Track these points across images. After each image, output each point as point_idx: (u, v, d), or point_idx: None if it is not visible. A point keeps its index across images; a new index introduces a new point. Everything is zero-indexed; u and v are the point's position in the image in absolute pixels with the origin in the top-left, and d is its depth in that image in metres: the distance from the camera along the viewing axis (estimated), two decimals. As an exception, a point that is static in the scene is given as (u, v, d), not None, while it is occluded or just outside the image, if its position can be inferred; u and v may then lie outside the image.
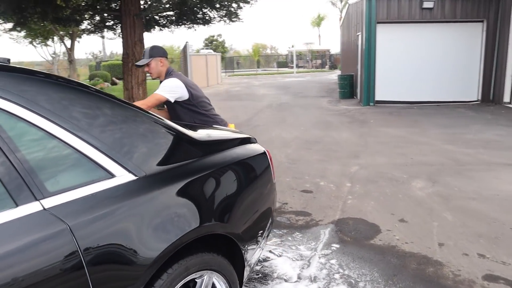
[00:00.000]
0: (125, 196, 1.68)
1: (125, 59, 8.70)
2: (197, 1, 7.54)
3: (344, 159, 6.37)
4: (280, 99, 15.23)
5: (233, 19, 9.24)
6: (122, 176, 1.72)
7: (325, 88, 19.15)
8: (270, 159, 2.75)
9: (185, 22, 9.32)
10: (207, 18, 9.24)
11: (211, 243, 2.10)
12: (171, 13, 9.18)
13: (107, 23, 9.71)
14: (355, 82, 14.59)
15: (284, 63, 46.71)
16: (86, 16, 9.12)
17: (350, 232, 3.79)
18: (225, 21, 9.46)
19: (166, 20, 9.50)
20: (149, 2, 7.21)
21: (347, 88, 14.67)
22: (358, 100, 13.65)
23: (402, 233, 3.71)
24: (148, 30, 9.95)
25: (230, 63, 43.30)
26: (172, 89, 3.36)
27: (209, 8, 8.55)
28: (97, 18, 9.09)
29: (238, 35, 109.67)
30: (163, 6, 7.26)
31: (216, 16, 9.33)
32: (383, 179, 5.28)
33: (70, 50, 22.62)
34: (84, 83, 2.00)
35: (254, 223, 2.43)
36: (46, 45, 27.82)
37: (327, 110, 12.16)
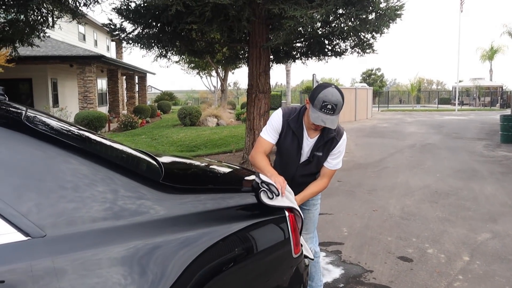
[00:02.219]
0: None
1: (249, 90, 8.66)
2: (321, 32, 7.09)
3: (474, 222, 5.05)
4: (427, 139, 13.60)
5: (366, 51, 8.50)
6: (6, 235, 1.35)
7: (487, 130, 16.57)
8: (292, 226, 2.07)
9: (316, 53, 8.92)
10: (337, 49, 8.70)
11: None
12: (301, 44, 8.90)
13: (240, 55, 9.91)
14: (524, 124, 12.19)
15: (446, 99, 42.74)
16: (219, 48, 9.44)
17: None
18: (358, 53, 8.77)
19: (296, 51, 9.26)
20: (278, 34, 7.01)
21: (512, 131, 12.33)
22: (525, 146, 11.30)
23: None
24: (280, 62, 9.83)
25: (385, 98, 41.40)
26: None
27: (337, 39, 8.01)
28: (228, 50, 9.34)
29: (402, 70, 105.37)
30: (287, 37, 6.97)
31: (348, 47, 8.72)
32: (520, 257, 3.94)
33: (223, 80, 24.32)
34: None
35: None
36: (210, 75, 30.58)
37: (479, 155, 10.30)
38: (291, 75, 25.89)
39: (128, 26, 8.91)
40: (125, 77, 26.07)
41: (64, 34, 20.83)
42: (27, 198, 1.42)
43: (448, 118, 23.62)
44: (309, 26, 6.51)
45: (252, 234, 1.90)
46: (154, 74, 30.77)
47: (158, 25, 8.43)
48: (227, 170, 2.68)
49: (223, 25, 7.23)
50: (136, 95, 28.34)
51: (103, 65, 19.69)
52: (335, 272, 3.69)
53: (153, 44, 8.86)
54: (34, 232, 1.37)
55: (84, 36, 23.94)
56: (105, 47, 27.75)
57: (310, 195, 2.64)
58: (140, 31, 8.69)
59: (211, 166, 2.72)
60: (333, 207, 5.70)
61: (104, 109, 22.29)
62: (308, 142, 2.57)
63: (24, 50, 14.04)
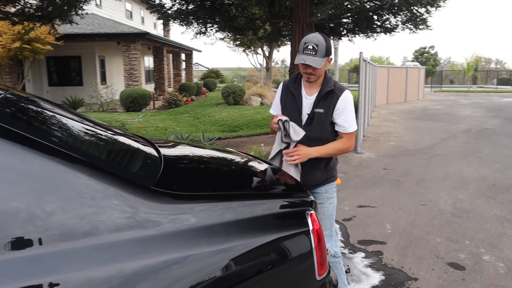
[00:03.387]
0: None
1: (291, 69, 8.22)
2: (370, 7, 6.46)
3: (539, 223, 4.43)
4: (484, 124, 12.59)
5: (419, 27, 7.77)
6: None
7: (555, 114, 15.16)
8: (317, 239, 1.69)
9: (363, 30, 8.28)
10: (387, 25, 8.00)
11: None
12: (347, 20, 8.28)
13: (283, 32, 9.42)
14: None
15: (506, 80, 39.88)
16: (260, 24, 8.99)
17: None
18: (410, 29, 8.04)
19: (342, 27, 8.64)
20: (321, 9, 6.48)
21: None
22: None
23: None
24: (324, 39, 9.24)
25: (438, 77, 39.23)
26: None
27: (387, 13, 7.34)
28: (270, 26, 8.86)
29: (458, 47, 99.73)
30: (331, 11, 6.44)
31: (399, 23, 8.00)
32: None
33: (268, 58, 23.78)
34: None
35: None
36: (256, 53, 30.10)
37: (545, 143, 9.33)
38: (339, 53, 24.93)
39: (167, 2, 8.63)
40: (171, 54, 26.14)
41: (111, 12, 21.04)
42: None
43: (507, 101, 21.95)
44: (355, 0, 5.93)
45: (264, 253, 1.53)
46: (200, 51, 30.74)
47: (197, 0, 8.10)
48: (238, 165, 2.32)
49: (262, -1, 6.78)
50: (182, 72, 28.45)
51: (148, 43, 19.74)
52: (374, 278, 3.28)
53: (192, 20, 8.56)
54: None
55: (131, 13, 24.10)
56: (152, 25, 27.89)
57: (327, 149, 2.47)
58: (179, 6, 8.40)
59: (223, 160, 2.35)
60: (377, 199, 5.23)
61: (150, 87, 22.49)
62: (308, 101, 2.48)
63: (71, 28, 14.22)
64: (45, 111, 1.85)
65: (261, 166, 2.34)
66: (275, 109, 2.64)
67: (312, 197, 1.97)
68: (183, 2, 8.22)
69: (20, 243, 1.13)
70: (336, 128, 2.47)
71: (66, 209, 1.21)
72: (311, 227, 1.69)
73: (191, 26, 8.92)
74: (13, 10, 7.34)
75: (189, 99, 20.67)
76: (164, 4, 8.74)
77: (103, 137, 1.93)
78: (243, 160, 2.41)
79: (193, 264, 1.33)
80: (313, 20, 6.90)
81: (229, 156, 2.46)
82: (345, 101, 2.43)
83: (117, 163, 1.64)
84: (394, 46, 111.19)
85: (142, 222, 1.31)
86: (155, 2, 8.75)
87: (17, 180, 1.19)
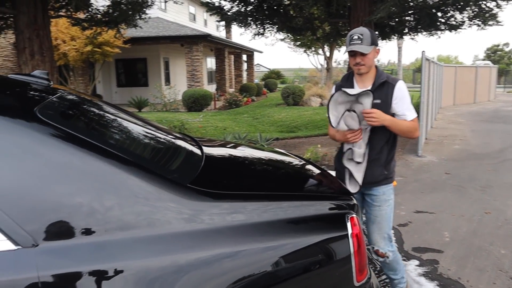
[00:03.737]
0: None
1: (349, 69, 8.02)
2: (432, 3, 6.15)
3: None
4: None
5: (488, 23, 7.29)
6: None
7: None
8: (356, 245, 1.63)
9: (426, 28, 7.91)
10: (452, 22, 7.58)
11: None
12: (408, 18, 7.95)
13: (342, 31, 9.24)
14: None
15: None
16: (318, 24, 8.88)
17: None
18: (478, 26, 7.57)
19: (403, 26, 8.31)
20: (381, 7, 6.28)
21: None
22: None
23: None
24: (385, 37, 8.96)
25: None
26: None
27: (452, 9, 6.96)
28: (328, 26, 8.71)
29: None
30: (390, 9, 6.22)
31: (465, 19, 7.56)
32: None
33: (329, 59, 23.44)
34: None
35: None
36: (317, 53, 29.80)
37: None
38: (403, 53, 24.07)
39: (226, 4, 8.78)
40: (233, 55, 26.57)
41: (175, 15, 21.78)
42: (23, 201, 1.23)
43: None
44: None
45: (302, 254, 1.52)
46: (261, 52, 30.95)
47: (255, 2, 8.16)
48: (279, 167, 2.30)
49: (320, -1, 6.70)
50: (244, 73, 28.83)
51: (210, 44, 20.20)
52: (427, 288, 3.12)
53: (250, 22, 8.64)
54: (24, 242, 1.18)
55: (194, 16, 24.80)
56: (214, 27, 28.51)
57: (399, 124, 2.49)
58: (238, 8, 8.52)
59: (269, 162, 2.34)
60: (436, 205, 4.97)
61: (212, 87, 23.02)
62: None
63: (138, 32, 14.90)
64: (102, 113, 1.98)
65: (306, 168, 2.30)
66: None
67: (354, 201, 1.91)
68: (242, 4, 8.32)
69: (86, 232, 1.25)
70: (398, 117, 2.50)
71: (121, 205, 1.31)
72: (350, 231, 1.64)
73: (249, 27, 9.01)
74: (82, 16, 7.82)
75: (249, 99, 20.89)
76: (223, 6, 8.91)
77: (149, 137, 2.00)
78: (290, 161, 2.39)
79: (243, 259, 1.39)
80: (372, 18, 6.71)
81: (277, 157, 2.46)
82: (401, 90, 2.49)
83: (157, 163, 1.69)
84: (464, 44, 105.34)
85: (190, 218, 1.37)
86: (214, 4, 8.95)
87: (91, 179, 1.33)
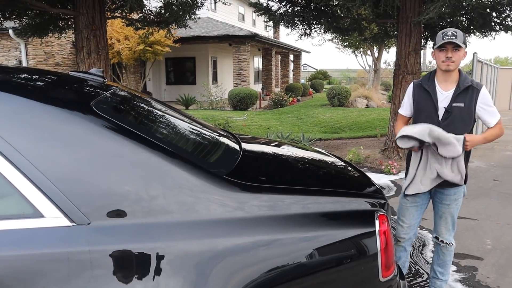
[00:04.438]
0: (41, 242, 1.33)
1: (396, 71, 7.91)
2: (486, 3, 5.93)
3: None
4: None
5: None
6: (53, 219, 1.35)
7: None
8: (383, 244, 1.69)
9: (479, 29, 7.64)
10: (508, 23, 7.28)
11: None
12: (461, 18, 7.71)
13: (389, 32, 9.09)
14: None
15: None
16: (365, 25, 8.80)
17: None
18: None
19: (454, 26, 8.06)
20: (430, 7, 6.16)
21: None
22: None
23: None
24: (433, 39, 8.73)
25: None
26: None
27: (508, 9, 6.68)
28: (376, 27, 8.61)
29: None
30: (439, 9, 6.08)
31: (522, 20, 7.24)
32: None
33: (377, 60, 23.01)
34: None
35: None
36: (366, 54, 29.32)
37: None
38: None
39: (274, 5, 8.88)
40: (280, 55, 26.67)
41: (225, 15, 22.16)
42: (86, 185, 1.40)
43: None
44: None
45: (329, 250, 1.60)
46: (309, 52, 30.84)
47: (302, 2, 8.21)
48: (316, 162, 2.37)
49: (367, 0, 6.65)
50: (290, 73, 28.86)
51: (257, 44, 20.39)
52: (463, 294, 3.09)
53: (297, 22, 8.69)
54: (80, 219, 1.35)
55: (243, 16, 25.11)
56: (262, 27, 28.72)
57: (488, 135, 2.64)
58: (285, 9, 8.60)
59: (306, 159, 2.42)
60: (480, 212, 4.85)
61: (258, 87, 23.24)
62: (443, 95, 2.60)
63: (188, 32, 15.32)
64: (150, 109, 2.15)
65: (343, 167, 2.37)
66: (406, 109, 2.81)
67: (386, 200, 1.97)
68: (289, 4, 8.40)
69: (133, 215, 1.40)
70: (483, 122, 2.64)
71: (164, 192, 1.46)
72: (377, 228, 1.70)
73: (296, 28, 9.06)
74: (136, 17, 8.20)
75: (294, 99, 20.92)
76: (271, 7, 9.02)
77: (191, 132, 2.15)
78: (328, 160, 2.46)
79: (279, 248, 1.49)
80: (421, 19, 6.58)
81: (316, 156, 2.54)
82: (485, 96, 2.58)
83: (197, 155, 1.83)
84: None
85: (228, 207, 1.50)
86: (262, 5, 9.08)
87: (139, 168, 1.48)
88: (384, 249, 1.70)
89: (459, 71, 2.60)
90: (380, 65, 23.81)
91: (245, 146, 2.20)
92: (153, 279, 1.34)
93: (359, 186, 2.11)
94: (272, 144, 2.68)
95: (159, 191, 1.45)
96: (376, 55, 23.60)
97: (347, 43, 24.27)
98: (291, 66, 29.43)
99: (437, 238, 2.87)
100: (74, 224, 1.34)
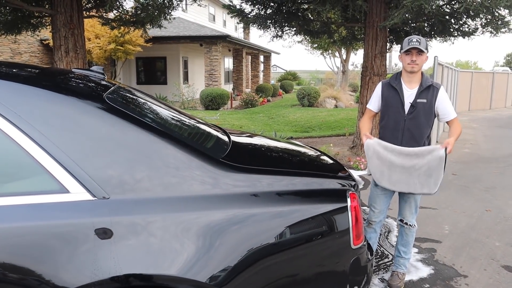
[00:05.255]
0: (67, 214, 1.57)
1: (363, 72, 8.34)
2: (443, 11, 6.40)
3: None
4: None
5: (500, 30, 7.53)
6: (77, 194, 1.59)
7: None
8: (354, 217, 1.99)
9: (439, 34, 8.17)
10: (465, 29, 7.84)
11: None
12: (422, 24, 8.22)
13: (357, 36, 9.54)
14: None
15: None
16: (334, 28, 9.20)
17: None
18: (491, 33, 7.80)
19: (417, 31, 8.58)
20: (395, 13, 6.58)
21: None
22: None
23: None
24: (399, 42, 9.23)
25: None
26: None
27: (464, 17, 7.21)
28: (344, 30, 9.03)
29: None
30: (403, 16, 6.51)
31: (478, 26, 7.80)
32: None
33: (345, 62, 23.70)
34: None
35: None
36: (334, 56, 30.01)
37: None
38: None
39: (247, 7, 9.16)
40: (250, 56, 26.98)
41: (196, 15, 22.26)
42: (104, 163, 1.64)
43: None
44: (430, 4, 5.96)
45: (311, 220, 1.88)
46: (278, 54, 31.31)
47: (274, 5, 8.52)
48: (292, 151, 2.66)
49: (336, 4, 7.03)
50: (260, 74, 29.22)
51: (228, 45, 20.62)
52: (423, 271, 3.45)
53: (269, 24, 9.00)
54: (99, 193, 1.59)
55: (214, 16, 25.27)
56: (233, 27, 28.97)
57: (456, 134, 2.98)
58: (257, 12, 8.88)
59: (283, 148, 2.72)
60: (440, 202, 5.28)
61: (229, 87, 23.45)
62: (408, 93, 2.99)
63: (159, 31, 15.39)
64: (152, 102, 2.37)
65: (318, 155, 2.67)
66: (374, 105, 3.18)
67: (356, 182, 2.27)
68: (262, 7, 8.69)
69: (143, 190, 1.65)
70: (441, 117, 3.00)
71: (166, 170, 1.71)
72: (349, 204, 1.99)
73: (268, 30, 9.37)
74: (112, 16, 8.31)
75: (265, 99, 21.27)
76: (244, 9, 9.29)
77: (190, 124, 2.40)
78: (304, 149, 2.76)
79: (255, 219, 1.75)
80: (386, 24, 7.01)
81: (293, 146, 2.82)
82: (444, 93, 2.99)
83: (197, 142, 2.09)
84: (485, 49, 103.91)
85: (216, 184, 1.75)
86: (236, 7, 9.33)
87: (147, 150, 1.73)
88: (355, 221, 2.00)
89: (422, 73, 3.02)
90: (348, 67, 24.47)
91: (232, 137, 2.47)
92: (162, 242, 1.59)
93: (332, 170, 2.40)
94: (256, 137, 2.95)
95: (167, 171, 1.70)
96: (344, 57, 24.27)
97: (316, 45, 24.83)
98: (261, 67, 29.81)
99: (401, 220, 3.22)
100: (96, 198, 1.58)
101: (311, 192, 1.96)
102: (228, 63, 25.48)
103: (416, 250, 3.85)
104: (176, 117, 2.37)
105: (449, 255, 3.77)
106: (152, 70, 20.64)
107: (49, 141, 1.58)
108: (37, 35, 12.40)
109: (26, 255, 1.48)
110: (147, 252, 1.56)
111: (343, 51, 23.98)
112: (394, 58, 36.95)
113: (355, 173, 6.71)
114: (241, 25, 28.84)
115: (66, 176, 1.57)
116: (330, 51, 27.98)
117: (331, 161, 2.55)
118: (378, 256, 3.72)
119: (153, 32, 15.20)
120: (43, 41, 16.32)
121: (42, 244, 1.49)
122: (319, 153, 2.73)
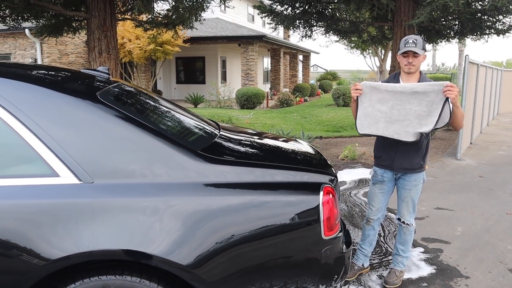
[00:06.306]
0: (54, 196, 1.80)
1: (391, 72, 8.28)
2: (471, 8, 6.25)
3: None
4: None
5: (536, 28, 7.26)
6: (66, 178, 1.82)
7: None
8: (326, 209, 2.09)
9: (470, 32, 7.97)
10: (498, 27, 7.60)
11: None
12: (453, 22, 8.05)
13: (387, 35, 9.44)
14: None
15: None
16: (363, 27, 9.15)
17: None
18: (526, 30, 7.55)
19: (448, 30, 8.41)
20: (421, 12, 6.50)
21: None
22: None
23: None
24: (431, 41, 9.08)
25: None
26: None
27: (496, 14, 7.00)
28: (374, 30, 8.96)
29: None
30: (429, 14, 6.43)
31: (512, 24, 7.56)
32: None
33: (382, 61, 23.25)
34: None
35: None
36: (376, 55, 29.50)
37: None
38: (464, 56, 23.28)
39: (277, 7, 9.29)
40: (288, 56, 27.03)
41: (234, 16, 22.59)
42: (88, 150, 1.87)
43: None
44: (454, 2, 5.86)
45: (281, 210, 2.00)
46: (318, 53, 31.14)
47: (302, 5, 8.61)
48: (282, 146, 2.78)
49: (362, 4, 7.03)
50: (299, 73, 29.19)
51: (266, 45, 20.79)
52: (424, 270, 3.46)
53: (298, 24, 9.10)
54: (85, 178, 1.82)
55: (253, 17, 25.51)
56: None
57: (460, 107, 2.80)
58: (287, 12, 9.01)
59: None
60: (458, 204, 5.20)
61: (267, 86, 23.63)
62: None
63: (198, 32, 15.80)
64: (146, 99, 2.57)
65: (303, 150, 2.77)
66: None
67: (334, 176, 2.36)
68: (289, 7, 8.81)
69: (127, 176, 1.86)
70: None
71: (146, 159, 1.92)
72: (321, 196, 2.09)
73: (297, 29, 9.47)
74: (145, 18, 8.68)
75: (302, 99, 21.28)
76: (275, 9, 9.44)
77: (178, 119, 2.58)
78: (295, 145, 2.87)
79: (223, 208, 1.90)
80: (412, 23, 6.94)
81: (287, 143, 2.94)
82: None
83: (178, 135, 2.26)
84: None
85: (191, 173, 1.93)
86: (266, 7, 9.50)
87: (132, 142, 1.94)
88: (326, 213, 2.10)
89: (420, 72, 3.05)
90: (386, 66, 24.00)
91: (224, 133, 2.63)
92: (136, 222, 1.78)
93: (313, 165, 2.50)
94: (250, 133, 3.09)
95: (147, 160, 1.89)
96: (382, 56, 23.85)
97: (353, 44, 24.52)
98: (300, 66, 29.76)
99: (399, 219, 3.26)
100: (82, 182, 1.80)
101: (284, 184, 2.08)
102: (267, 63, 25.65)
103: (422, 249, 3.85)
104: (169, 113, 2.55)
105: (455, 256, 3.75)
106: (191, 70, 21.16)
107: (45, 133, 1.84)
108: (83, 37, 13.04)
109: (21, 227, 1.73)
110: (123, 230, 1.77)
111: (382, 50, 23.57)
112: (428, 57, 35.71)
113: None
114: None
115: (58, 163, 1.82)
116: (369, 51, 27.55)
117: (316, 158, 2.65)
118: (381, 253, 3.76)
119: (191, 32, 15.63)
120: (87, 43, 17.12)
121: (35, 219, 1.75)
122: (309, 150, 2.83)
